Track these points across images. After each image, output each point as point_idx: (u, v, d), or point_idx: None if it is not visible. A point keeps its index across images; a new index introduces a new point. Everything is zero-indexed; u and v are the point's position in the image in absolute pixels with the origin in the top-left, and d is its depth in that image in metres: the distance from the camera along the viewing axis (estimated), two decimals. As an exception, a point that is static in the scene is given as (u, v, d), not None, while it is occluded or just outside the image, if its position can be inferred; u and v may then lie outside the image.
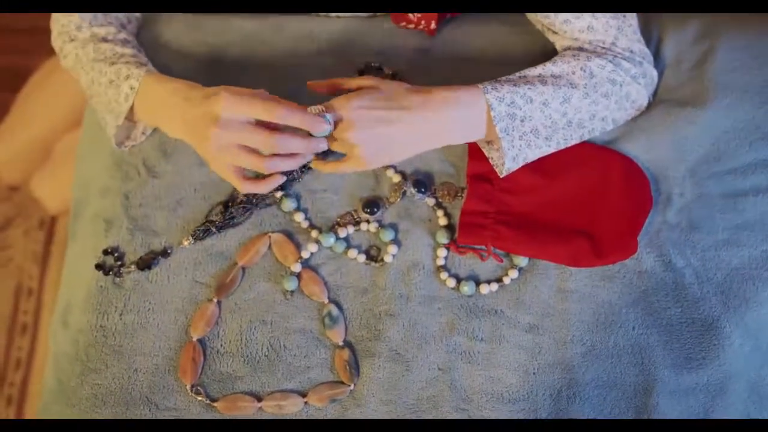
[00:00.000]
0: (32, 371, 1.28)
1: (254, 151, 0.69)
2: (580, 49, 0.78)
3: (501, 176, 0.76)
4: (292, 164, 0.70)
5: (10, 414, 1.25)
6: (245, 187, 0.71)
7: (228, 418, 0.72)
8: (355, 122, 0.68)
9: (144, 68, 0.76)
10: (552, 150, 0.76)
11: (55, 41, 0.82)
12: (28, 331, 1.31)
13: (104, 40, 0.79)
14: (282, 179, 0.73)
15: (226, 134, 0.67)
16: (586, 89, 0.74)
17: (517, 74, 0.75)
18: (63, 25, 0.80)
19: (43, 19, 1.55)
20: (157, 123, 0.77)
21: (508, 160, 0.74)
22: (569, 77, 0.74)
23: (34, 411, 1.25)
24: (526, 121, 0.73)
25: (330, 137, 0.70)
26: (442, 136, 0.73)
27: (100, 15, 0.80)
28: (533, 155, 0.75)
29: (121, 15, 0.83)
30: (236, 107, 0.66)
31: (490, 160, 0.77)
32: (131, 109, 0.75)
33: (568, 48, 0.79)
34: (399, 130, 0.70)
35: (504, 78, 0.74)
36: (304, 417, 0.72)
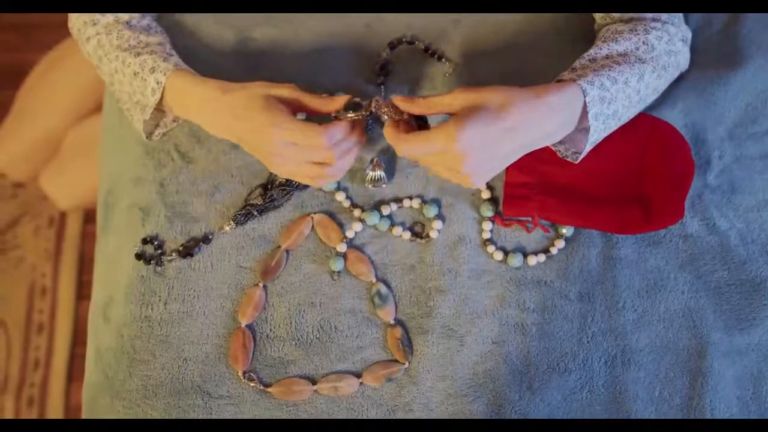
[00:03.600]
0: (52, 371, 1.26)
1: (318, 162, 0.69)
2: (635, 25, 0.76)
3: (575, 162, 0.74)
4: (351, 160, 0.70)
5: (33, 415, 1.23)
6: (321, 184, 0.72)
7: (284, 407, 0.71)
8: (465, 155, 0.63)
9: (172, 60, 0.73)
10: (613, 128, 0.74)
11: (74, 24, 0.80)
12: (44, 330, 1.28)
13: (128, 25, 0.77)
14: (351, 163, 0.71)
15: (287, 162, 0.68)
16: (653, 63, 0.73)
17: (586, 58, 0.72)
18: None
19: (36, 16, 1.52)
20: (192, 120, 0.74)
21: (589, 146, 0.71)
22: (636, 53, 0.73)
23: (56, 411, 1.23)
24: (612, 103, 0.70)
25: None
26: (545, 142, 0.69)
27: None
28: (602, 137, 0.73)
29: None
30: (284, 137, 0.66)
31: (557, 152, 0.75)
32: (159, 101, 0.73)
33: (607, 14, 0.78)
34: (507, 151, 0.67)
35: (578, 65, 0.72)
36: (361, 397, 0.71)
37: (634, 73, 0.71)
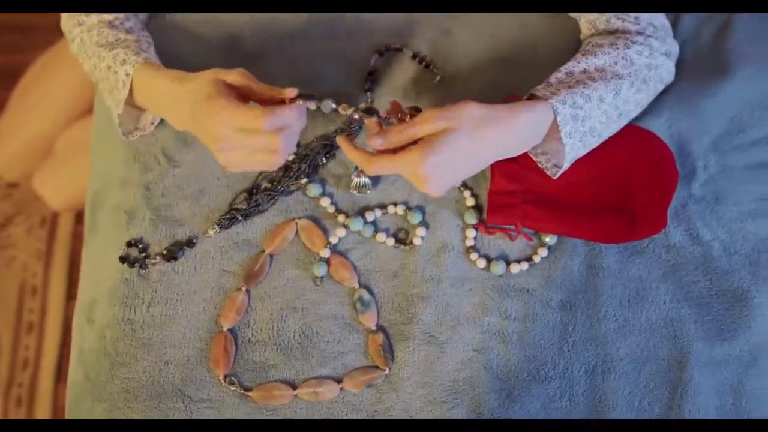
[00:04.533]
0: (41, 371, 1.26)
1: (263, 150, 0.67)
2: (616, 37, 0.76)
3: (554, 178, 0.75)
4: (294, 141, 0.68)
5: (21, 415, 1.23)
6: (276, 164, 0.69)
7: (264, 411, 0.71)
8: (428, 178, 0.66)
9: (142, 55, 0.73)
10: (595, 144, 0.75)
11: (65, 25, 0.81)
12: (34, 330, 1.29)
13: (110, 25, 0.77)
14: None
15: (233, 150, 0.66)
16: (631, 78, 0.73)
17: (563, 71, 0.73)
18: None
19: (37, 16, 1.53)
20: (162, 115, 0.75)
21: (566, 163, 0.73)
22: (613, 68, 0.73)
23: (45, 411, 1.23)
24: (586, 120, 0.71)
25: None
26: (507, 154, 0.70)
27: None
28: (584, 153, 0.74)
29: None
30: (228, 121, 0.64)
31: (538, 163, 0.76)
32: (131, 95, 0.73)
33: (593, 25, 0.79)
34: (471, 168, 0.69)
35: (554, 79, 0.73)
36: (341, 403, 0.72)
37: (610, 90, 0.72)
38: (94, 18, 0.78)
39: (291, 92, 0.67)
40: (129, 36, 0.76)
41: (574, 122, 0.70)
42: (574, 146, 0.71)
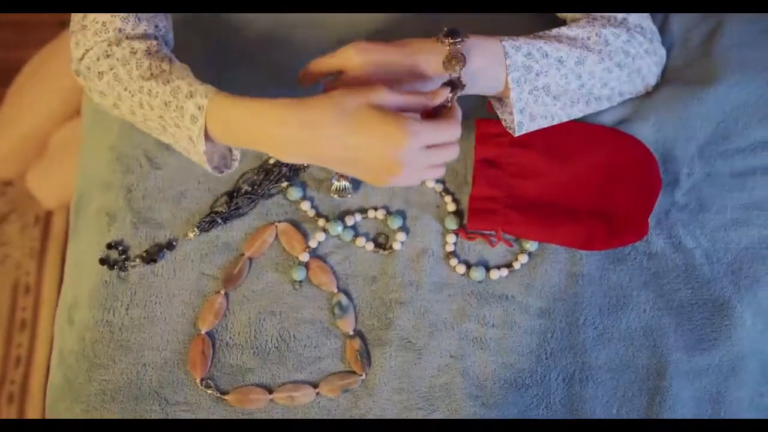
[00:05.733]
0: (33, 368, 1.27)
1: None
2: (594, 18, 0.77)
3: (515, 135, 0.74)
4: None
5: (12, 412, 1.24)
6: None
7: (240, 414, 0.71)
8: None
9: (207, 84, 0.67)
10: (559, 112, 0.75)
11: (80, 61, 0.72)
12: (27, 328, 1.30)
13: (148, 54, 0.70)
14: None
15: (413, 171, 0.64)
16: (600, 54, 0.73)
17: (534, 33, 0.74)
18: (96, 41, 0.71)
19: (30, 13, 1.54)
20: (251, 147, 0.67)
21: (516, 113, 0.72)
22: (584, 41, 0.73)
23: (35, 409, 1.24)
24: (541, 76, 0.71)
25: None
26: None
27: (131, 24, 0.71)
28: (538, 111, 0.73)
29: (155, 19, 0.73)
30: (421, 142, 0.63)
31: (503, 122, 0.76)
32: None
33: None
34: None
35: (520, 36, 0.73)
36: (316, 408, 0.72)
37: (573, 55, 0.72)
38: (125, 48, 0.70)
39: (444, 91, 0.66)
40: (175, 65, 0.70)
41: (527, 73, 0.70)
42: (522, 96, 0.71)
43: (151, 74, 0.68)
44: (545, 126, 0.75)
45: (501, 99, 0.75)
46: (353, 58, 0.68)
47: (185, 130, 0.67)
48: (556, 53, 0.71)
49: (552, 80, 0.72)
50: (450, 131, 0.65)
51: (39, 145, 1.33)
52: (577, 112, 0.76)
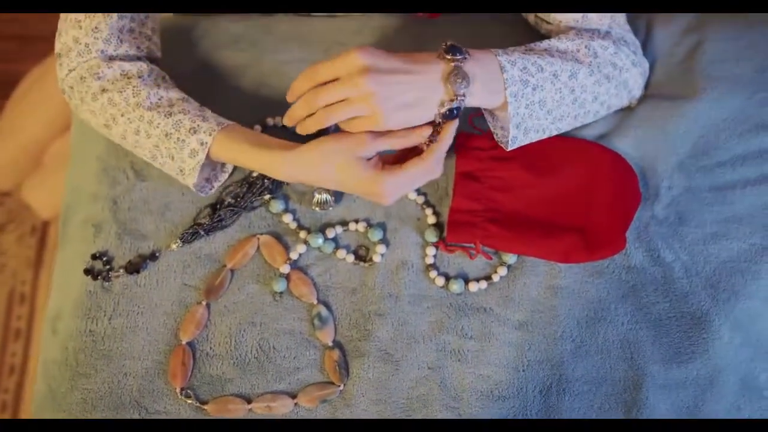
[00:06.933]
0: (26, 377, 1.28)
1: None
2: (579, 31, 0.77)
3: (507, 149, 0.75)
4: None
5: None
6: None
7: (218, 418, 0.72)
8: (368, 72, 0.65)
9: (213, 121, 0.72)
10: (550, 126, 0.75)
11: (63, 81, 0.75)
12: (21, 337, 1.31)
13: (141, 79, 0.73)
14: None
15: (398, 196, 0.72)
16: (591, 67, 0.74)
17: (524, 46, 0.74)
18: (79, 62, 0.74)
19: (31, 26, 1.56)
20: (256, 169, 0.73)
21: (512, 127, 0.72)
22: (574, 54, 0.74)
23: (29, 416, 1.25)
24: (537, 90, 0.71)
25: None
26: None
27: (113, 45, 0.74)
28: (532, 125, 0.73)
29: (137, 41, 0.76)
30: (400, 191, 0.71)
31: (495, 136, 0.76)
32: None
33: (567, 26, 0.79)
34: (414, 90, 0.67)
35: (511, 48, 0.73)
36: (294, 418, 0.72)
37: (566, 69, 0.72)
38: (116, 70, 0.73)
39: (424, 130, 0.70)
40: (171, 93, 0.74)
41: (524, 87, 0.70)
42: (519, 110, 0.71)
43: (151, 104, 0.72)
44: (536, 140, 0.76)
45: (492, 113, 0.76)
46: (357, 61, 0.65)
47: (178, 162, 0.72)
48: (550, 67, 0.72)
49: (548, 95, 0.72)
50: (426, 176, 0.70)
51: (36, 157, 1.36)
52: (566, 126, 0.77)
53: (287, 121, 0.70)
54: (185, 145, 0.71)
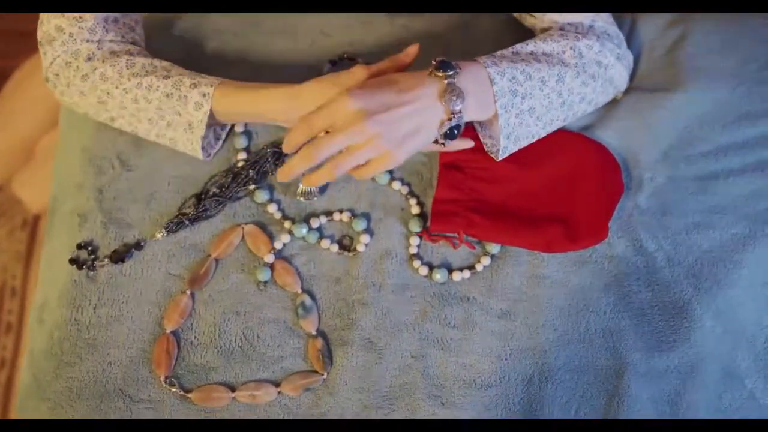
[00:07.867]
0: (17, 371, 1.28)
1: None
2: (563, 29, 0.78)
3: (497, 160, 0.75)
4: None
5: (-4, 413, 1.26)
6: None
7: (203, 412, 0.72)
8: (366, 114, 0.66)
9: (212, 78, 0.73)
10: (539, 131, 0.75)
11: (52, 66, 0.75)
12: (12, 331, 1.31)
13: (132, 55, 0.75)
14: None
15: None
16: (576, 69, 0.74)
17: (509, 50, 0.74)
18: (63, 51, 0.74)
19: (23, 22, 1.56)
20: (247, 120, 0.77)
21: (503, 138, 0.72)
22: (560, 56, 0.74)
23: (17, 409, 1.25)
24: (527, 99, 0.71)
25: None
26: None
27: (99, 34, 0.74)
28: (522, 133, 0.74)
29: (121, 31, 0.77)
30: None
31: (484, 145, 0.77)
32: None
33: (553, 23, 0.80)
34: (414, 118, 0.68)
35: (498, 53, 0.73)
36: (278, 406, 0.73)
37: (553, 74, 0.72)
38: (105, 50, 0.74)
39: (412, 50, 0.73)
40: (163, 62, 0.75)
41: (513, 97, 0.70)
42: (510, 121, 0.71)
43: (147, 71, 0.73)
44: (525, 145, 0.76)
45: (482, 122, 0.76)
46: (350, 107, 0.66)
47: (186, 116, 0.72)
48: (537, 74, 0.72)
49: (537, 102, 0.72)
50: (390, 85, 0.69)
51: (27, 151, 1.36)
52: (554, 128, 0.78)
53: (284, 178, 0.70)
54: (188, 100, 0.72)
